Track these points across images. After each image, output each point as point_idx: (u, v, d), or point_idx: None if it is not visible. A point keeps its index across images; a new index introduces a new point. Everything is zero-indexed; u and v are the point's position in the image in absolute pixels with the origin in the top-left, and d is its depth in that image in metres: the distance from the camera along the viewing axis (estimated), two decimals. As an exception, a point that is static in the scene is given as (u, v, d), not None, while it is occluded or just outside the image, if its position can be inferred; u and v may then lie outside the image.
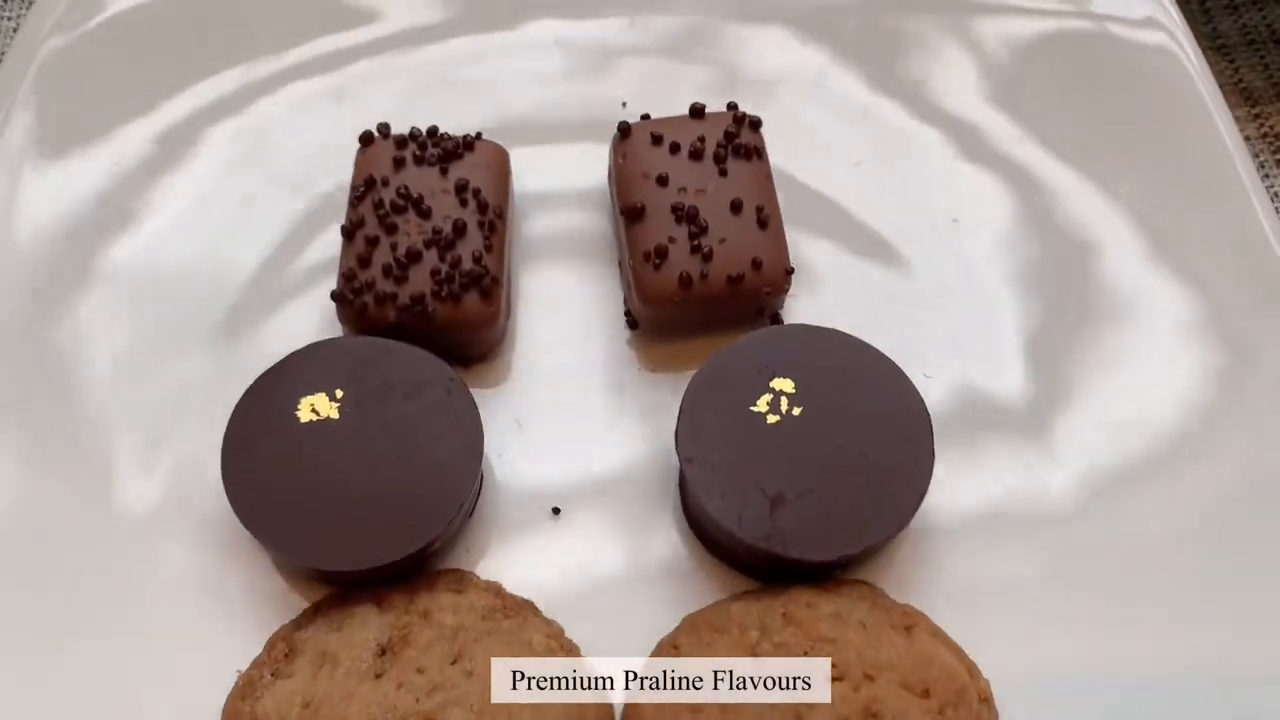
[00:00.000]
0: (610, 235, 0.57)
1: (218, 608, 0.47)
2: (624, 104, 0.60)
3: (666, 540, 0.49)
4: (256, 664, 0.45)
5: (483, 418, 0.47)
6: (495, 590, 0.46)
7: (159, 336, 0.53)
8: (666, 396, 0.52)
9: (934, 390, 0.51)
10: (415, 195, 0.51)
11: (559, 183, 0.58)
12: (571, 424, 0.52)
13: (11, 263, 0.55)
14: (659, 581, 0.48)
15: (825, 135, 0.60)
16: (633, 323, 0.53)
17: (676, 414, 0.51)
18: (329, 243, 0.55)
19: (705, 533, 0.48)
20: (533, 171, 0.57)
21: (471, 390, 0.48)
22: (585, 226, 0.57)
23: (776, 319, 0.53)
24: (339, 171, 0.56)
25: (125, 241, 0.56)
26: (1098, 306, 0.55)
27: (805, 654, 0.42)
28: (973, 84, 0.62)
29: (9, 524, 0.48)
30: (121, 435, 0.50)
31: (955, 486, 0.50)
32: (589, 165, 0.58)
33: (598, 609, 0.47)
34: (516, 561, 0.48)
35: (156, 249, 0.56)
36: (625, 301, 0.54)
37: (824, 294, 0.55)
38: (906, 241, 0.57)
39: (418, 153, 0.52)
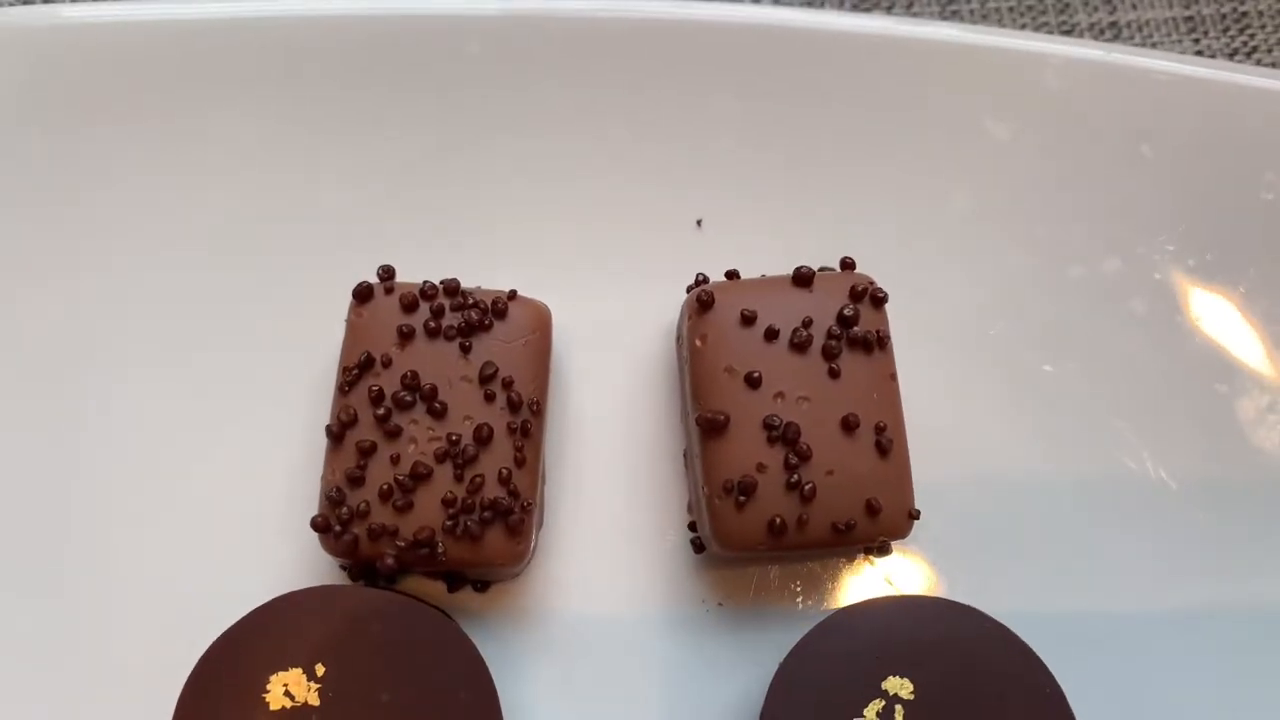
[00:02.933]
0: (675, 415, 0.44)
1: None
2: (699, 222, 0.46)
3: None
4: None
5: (505, 658, 0.38)
6: None
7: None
8: (743, 644, 0.41)
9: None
10: (426, 386, 0.38)
11: (611, 338, 0.45)
12: (620, 674, 0.41)
13: None
14: None
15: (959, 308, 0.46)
16: (698, 546, 0.41)
17: (752, 666, 0.41)
18: (310, 443, 0.42)
19: None
20: (577, 322, 0.44)
21: (489, 619, 0.39)
22: (643, 398, 0.44)
23: (885, 549, 0.41)
24: (322, 341, 0.43)
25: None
26: None
27: None
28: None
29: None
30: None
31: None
32: (648, 314, 0.45)
33: None
34: None
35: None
36: (690, 510, 0.42)
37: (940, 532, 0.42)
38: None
39: (432, 322, 0.39)
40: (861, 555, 0.42)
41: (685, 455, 0.43)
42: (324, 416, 0.40)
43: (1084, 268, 0.46)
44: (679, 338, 0.43)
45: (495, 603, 0.41)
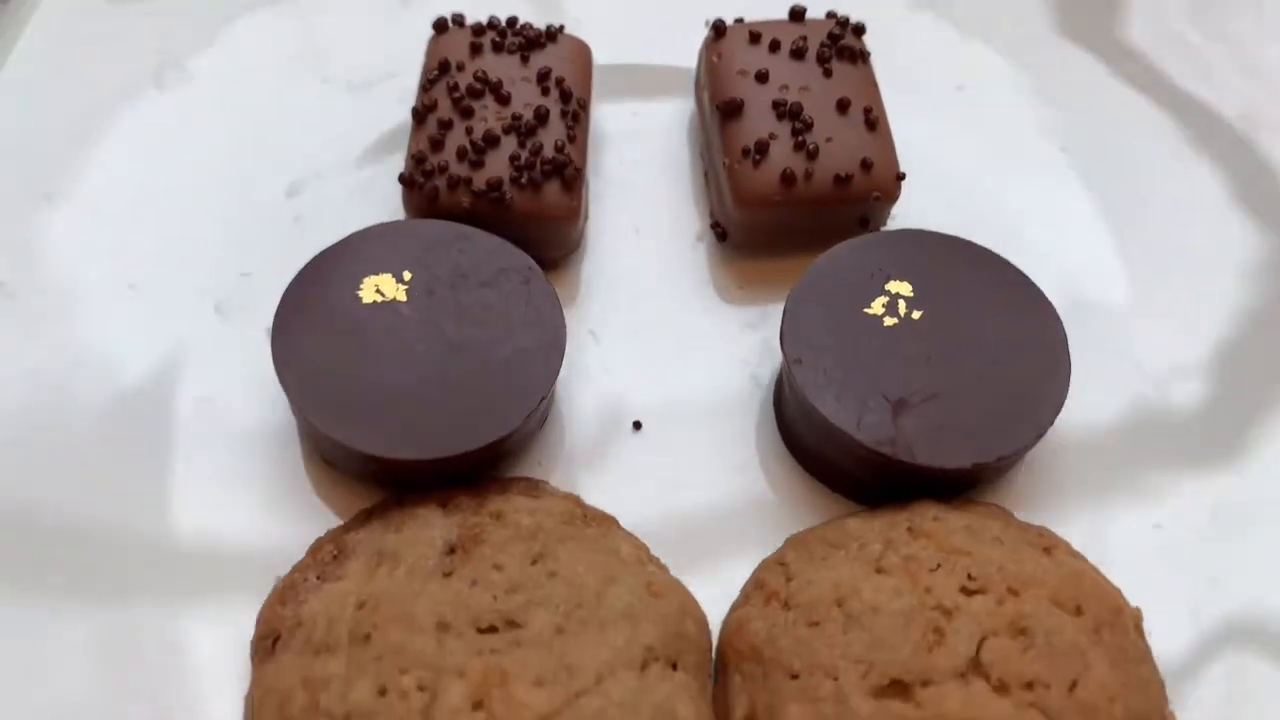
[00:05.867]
0: (695, 150, 0.53)
1: (256, 512, 0.41)
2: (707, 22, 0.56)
3: (759, 461, 0.44)
4: (298, 568, 0.39)
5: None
6: (574, 500, 0.41)
7: (206, 223, 0.49)
8: (755, 315, 0.47)
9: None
10: (494, 80, 0.47)
11: (640, 93, 0.54)
12: (651, 339, 0.47)
13: (56, 126, 0.51)
14: (753, 504, 0.43)
15: (926, 55, 0.56)
16: (721, 234, 0.48)
17: (764, 334, 0.47)
18: (395, 134, 0.50)
19: (807, 448, 0.43)
20: (612, 79, 0.53)
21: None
22: (668, 140, 0.53)
23: (879, 218, 0.48)
24: (404, 74, 0.52)
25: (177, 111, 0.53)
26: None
27: (938, 568, 0.36)
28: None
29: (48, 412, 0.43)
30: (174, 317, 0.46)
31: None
32: (673, 78, 0.54)
33: (685, 530, 0.42)
34: (594, 478, 0.43)
35: (209, 126, 0.52)
36: (712, 214, 0.49)
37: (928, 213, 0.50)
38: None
39: (497, 40, 0.48)
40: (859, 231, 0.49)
41: (705, 175, 0.51)
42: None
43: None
44: (697, 82, 0.52)
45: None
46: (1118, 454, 0.44)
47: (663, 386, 0.45)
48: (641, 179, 0.52)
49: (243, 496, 0.41)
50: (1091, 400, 0.45)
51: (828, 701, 0.34)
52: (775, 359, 0.46)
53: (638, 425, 0.44)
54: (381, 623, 0.34)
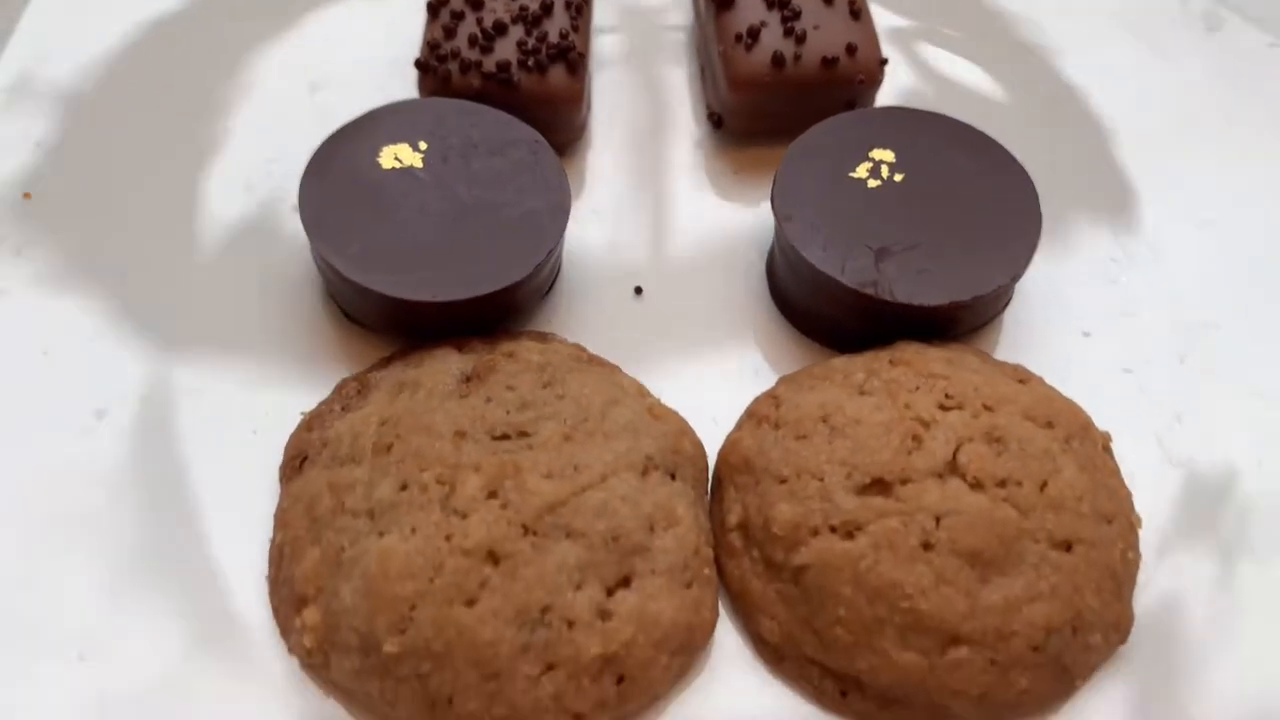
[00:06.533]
0: (692, 48, 0.56)
1: (285, 355, 0.44)
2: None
3: (753, 321, 0.47)
4: (324, 402, 0.42)
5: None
6: (580, 347, 0.44)
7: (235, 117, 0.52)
8: (749, 195, 0.51)
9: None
10: (502, -23, 0.50)
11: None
12: (652, 215, 0.50)
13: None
14: (747, 361, 0.45)
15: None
16: (717, 122, 0.52)
17: (756, 212, 0.50)
18: (412, 40, 0.54)
19: (797, 304, 0.46)
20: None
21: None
22: (666, 37, 0.57)
23: (865, 98, 0.51)
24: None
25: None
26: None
27: (917, 389, 0.39)
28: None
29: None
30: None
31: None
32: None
33: (682, 384, 0.44)
34: (597, 336, 0.45)
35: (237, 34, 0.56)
36: (708, 104, 0.52)
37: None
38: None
39: (503, -58, 0.52)
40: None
41: (701, 70, 0.54)
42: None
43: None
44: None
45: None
46: (1086, 311, 0.47)
47: (662, 257, 0.48)
48: (641, 74, 0.55)
49: (273, 352, 0.44)
50: (1064, 259, 0.48)
51: (814, 499, 0.37)
52: (768, 234, 0.49)
53: (639, 290, 0.47)
54: (403, 433, 0.37)
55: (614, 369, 0.43)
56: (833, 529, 0.36)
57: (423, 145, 0.45)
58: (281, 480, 0.40)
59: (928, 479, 0.36)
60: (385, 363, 0.43)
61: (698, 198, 0.50)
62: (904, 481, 0.36)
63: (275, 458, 0.40)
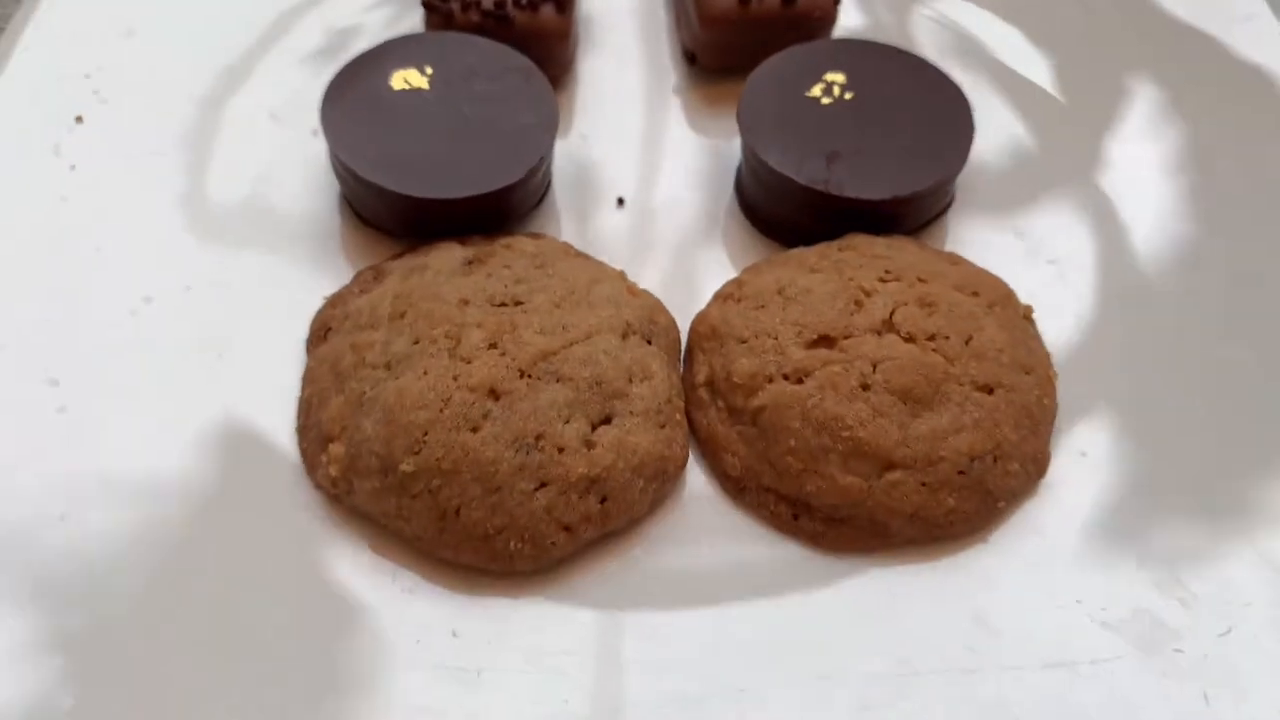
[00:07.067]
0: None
1: (310, 252, 0.50)
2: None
3: (722, 226, 0.53)
4: (345, 287, 0.48)
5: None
6: (568, 244, 0.50)
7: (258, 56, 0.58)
8: (721, 125, 0.57)
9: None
10: (496, -66, 0.56)
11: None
12: (634, 139, 0.56)
13: None
14: (716, 261, 0.51)
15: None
16: (691, 58, 0.58)
17: (727, 137, 0.56)
18: None
19: (761, 210, 0.51)
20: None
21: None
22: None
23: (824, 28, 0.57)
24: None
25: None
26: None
27: (862, 267, 0.45)
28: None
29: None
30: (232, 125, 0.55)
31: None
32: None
33: (661, 276, 0.50)
34: (584, 240, 0.51)
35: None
36: (684, 43, 0.59)
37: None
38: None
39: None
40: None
41: (677, 16, 0.60)
42: None
43: None
44: (669, -58, 0.61)
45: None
46: (1016, 214, 0.53)
47: (642, 174, 0.54)
48: (625, 16, 0.61)
49: (300, 251, 0.50)
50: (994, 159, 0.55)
51: (769, 354, 0.43)
52: (736, 156, 0.55)
53: (621, 201, 0.53)
54: (415, 301, 0.43)
55: (600, 261, 0.49)
56: (785, 376, 0.42)
57: (429, 70, 0.51)
58: (308, 349, 0.46)
59: (867, 334, 0.42)
60: (397, 256, 0.49)
61: (674, 125, 0.57)
62: (846, 336, 0.42)
63: (303, 335, 0.46)
